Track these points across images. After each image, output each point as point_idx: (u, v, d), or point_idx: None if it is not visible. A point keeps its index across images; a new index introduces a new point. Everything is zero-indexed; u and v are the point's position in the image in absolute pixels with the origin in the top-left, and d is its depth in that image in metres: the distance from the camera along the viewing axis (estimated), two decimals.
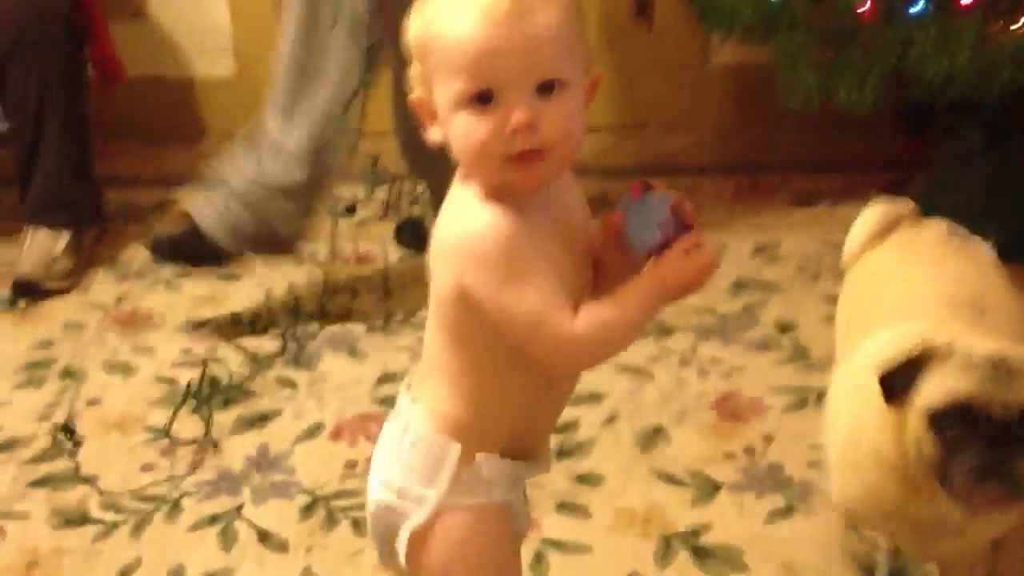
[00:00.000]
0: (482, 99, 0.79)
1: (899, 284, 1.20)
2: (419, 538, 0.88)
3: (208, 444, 1.47)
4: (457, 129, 0.80)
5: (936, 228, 1.29)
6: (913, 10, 1.55)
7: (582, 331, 0.81)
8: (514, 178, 0.81)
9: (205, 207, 1.81)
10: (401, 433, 0.89)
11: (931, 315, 1.10)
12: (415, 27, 0.82)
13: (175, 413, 1.53)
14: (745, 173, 2.35)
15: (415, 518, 0.87)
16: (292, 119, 1.78)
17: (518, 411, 0.88)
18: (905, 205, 1.33)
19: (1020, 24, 1.48)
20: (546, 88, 0.79)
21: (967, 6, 1.50)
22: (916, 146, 2.37)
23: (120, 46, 2.25)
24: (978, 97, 1.54)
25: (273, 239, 1.80)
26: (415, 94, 0.84)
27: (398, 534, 0.88)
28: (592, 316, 0.82)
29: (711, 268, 0.85)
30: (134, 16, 2.61)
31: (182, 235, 1.83)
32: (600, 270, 0.89)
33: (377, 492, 0.90)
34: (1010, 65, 1.48)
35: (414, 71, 0.84)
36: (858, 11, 1.62)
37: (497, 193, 0.81)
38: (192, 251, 1.83)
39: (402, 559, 0.89)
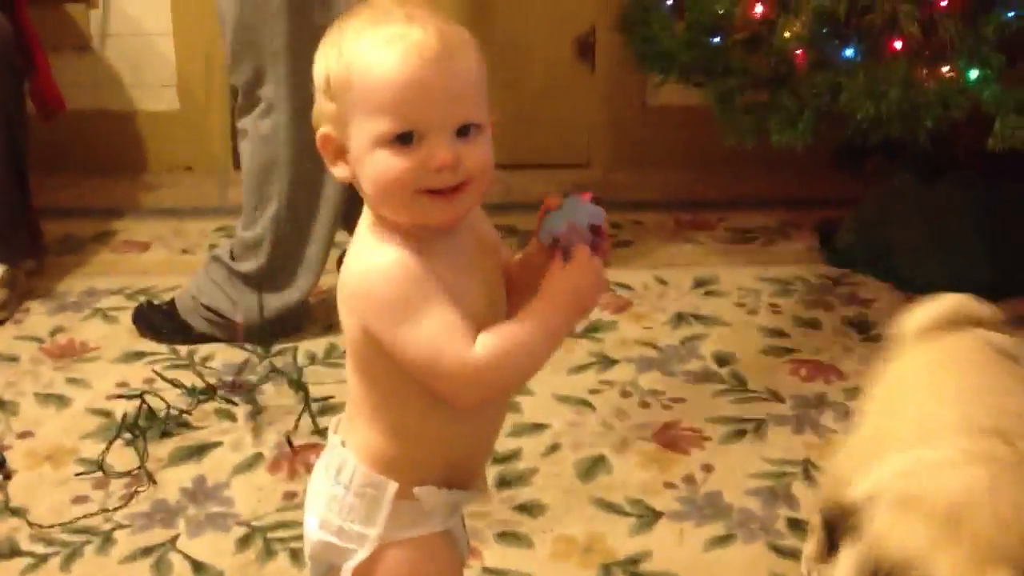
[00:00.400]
0: (404, 139, 0.79)
1: (925, 396, 1.08)
2: (363, 575, 0.87)
3: (143, 476, 1.45)
4: (375, 166, 0.80)
5: (978, 337, 1.15)
6: (844, 55, 1.60)
7: (482, 358, 0.80)
8: (436, 214, 0.81)
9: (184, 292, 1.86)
10: (335, 474, 0.88)
11: (948, 443, 0.96)
12: (332, 64, 0.81)
13: (109, 445, 1.50)
14: (685, 210, 2.39)
15: (357, 556, 0.87)
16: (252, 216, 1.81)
17: (446, 442, 0.88)
18: (989, 309, 1.20)
19: (945, 69, 1.54)
20: (464, 130, 0.80)
21: (895, 52, 1.55)
22: (850, 185, 2.44)
23: (64, 79, 2.24)
24: (907, 137, 1.59)
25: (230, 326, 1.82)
26: (322, 131, 0.83)
27: (340, 571, 0.88)
28: (491, 341, 0.81)
29: (603, 283, 0.84)
30: (79, 49, 2.60)
31: (160, 309, 1.86)
32: (515, 299, 0.89)
33: (315, 532, 0.89)
34: (936, 107, 1.53)
35: (324, 108, 0.82)
36: (791, 56, 1.66)
37: (409, 230, 0.82)
38: (163, 326, 1.84)
39: None
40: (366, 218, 0.85)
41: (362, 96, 0.79)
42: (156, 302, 1.90)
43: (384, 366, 0.83)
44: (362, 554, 0.86)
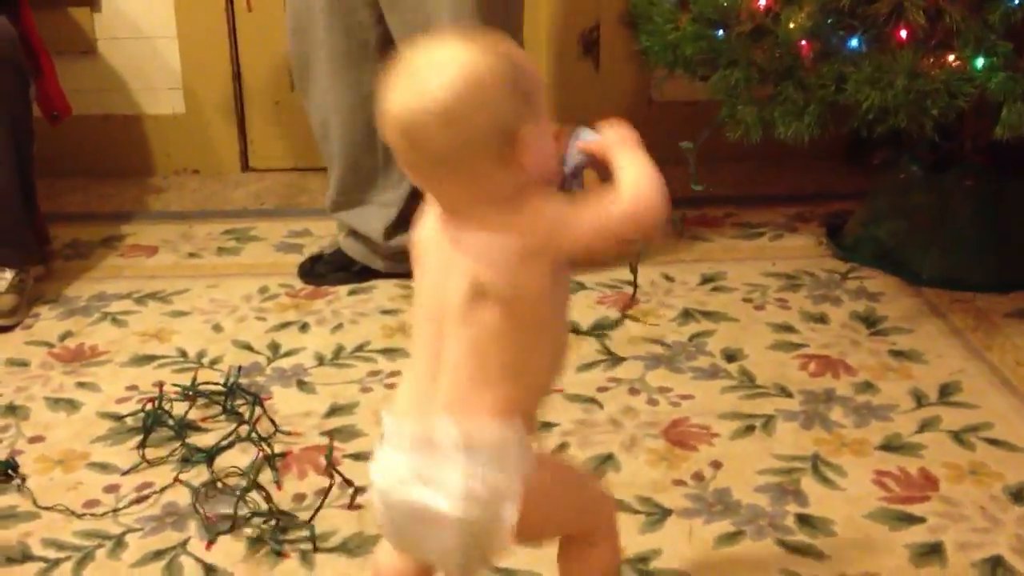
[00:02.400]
0: None
1: None
2: (523, 517, 0.95)
3: (154, 479, 1.45)
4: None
5: None
6: (849, 45, 1.59)
7: (631, 198, 0.95)
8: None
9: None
10: (457, 450, 0.94)
11: None
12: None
13: (144, 442, 1.52)
14: (691, 206, 2.39)
15: (510, 505, 0.95)
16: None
17: (545, 386, 1.03)
18: None
19: (951, 57, 1.53)
20: None
21: (900, 41, 1.55)
22: (857, 178, 2.43)
23: (69, 84, 2.25)
24: (913, 129, 1.59)
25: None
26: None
27: (491, 531, 0.95)
28: (624, 186, 0.95)
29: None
30: (84, 54, 2.61)
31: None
32: None
33: (457, 507, 0.94)
34: (943, 96, 1.53)
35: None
36: (796, 48, 1.66)
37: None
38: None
39: (504, 543, 0.96)
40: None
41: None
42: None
43: (542, 317, 0.97)
44: (516, 496, 0.95)
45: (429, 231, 1.01)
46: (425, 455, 0.96)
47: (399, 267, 1.97)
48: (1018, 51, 1.55)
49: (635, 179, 0.96)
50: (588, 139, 1.02)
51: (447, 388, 0.97)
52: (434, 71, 0.92)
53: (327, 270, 2.08)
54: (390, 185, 2.02)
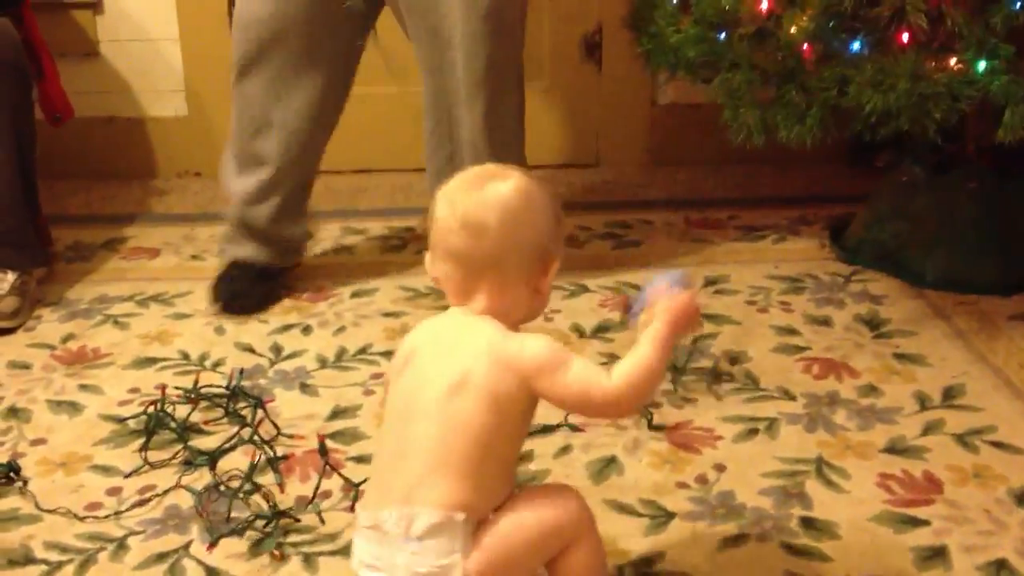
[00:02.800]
0: None
1: None
2: None
3: (156, 481, 1.45)
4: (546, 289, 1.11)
5: None
6: (851, 48, 1.59)
7: (620, 387, 1.05)
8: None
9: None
10: (405, 532, 1.03)
11: None
12: None
13: (146, 445, 1.52)
14: (694, 208, 2.39)
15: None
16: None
17: (495, 500, 1.07)
18: None
19: (953, 60, 1.53)
20: None
21: (902, 44, 1.55)
22: (860, 181, 2.43)
23: (72, 86, 2.25)
24: (915, 132, 1.58)
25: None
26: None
27: None
28: (623, 371, 1.05)
29: (695, 303, 1.10)
30: (86, 56, 2.61)
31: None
32: None
33: None
34: (945, 98, 1.53)
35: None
36: (798, 50, 1.65)
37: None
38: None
39: None
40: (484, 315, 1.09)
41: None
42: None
43: (511, 428, 1.06)
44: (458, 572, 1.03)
45: (426, 333, 1.12)
46: (379, 543, 1.05)
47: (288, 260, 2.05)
48: (1020, 54, 1.55)
49: (638, 377, 1.06)
50: (660, 286, 1.11)
51: (404, 477, 1.05)
52: (501, 182, 1.09)
53: (244, 289, 1.97)
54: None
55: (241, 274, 1.98)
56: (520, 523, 1.06)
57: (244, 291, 1.96)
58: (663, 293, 1.09)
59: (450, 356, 1.07)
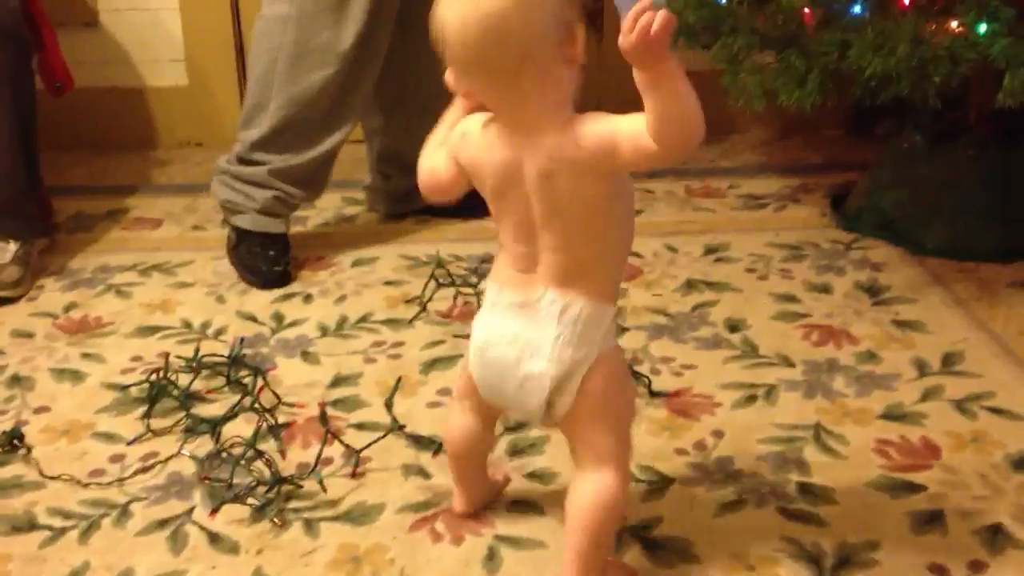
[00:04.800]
0: None
1: None
2: (589, 379, 1.09)
3: (158, 448, 1.46)
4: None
5: None
6: (851, 12, 1.58)
7: (674, 141, 1.01)
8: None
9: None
10: (558, 317, 1.08)
11: None
12: None
13: (149, 413, 1.53)
14: (694, 177, 2.39)
15: (583, 367, 1.09)
16: None
17: (619, 279, 1.15)
18: None
19: (954, 23, 1.52)
20: None
21: (903, 7, 1.54)
22: (861, 149, 2.43)
23: (71, 56, 2.25)
24: (916, 96, 1.58)
25: None
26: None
27: (567, 386, 1.09)
28: (667, 126, 0.99)
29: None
30: (86, 26, 2.60)
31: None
32: None
33: (549, 368, 1.09)
34: (945, 62, 1.52)
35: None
36: (798, 15, 1.65)
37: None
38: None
39: (570, 399, 1.10)
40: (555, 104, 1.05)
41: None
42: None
43: (618, 215, 1.09)
44: (587, 363, 1.09)
45: (489, 150, 1.08)
46: (525, 321, 1.10)
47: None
48: (1021, 17, 1.54)
49: (684, 116, 0.99)
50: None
51: (549, 265, 1.09)
52: None
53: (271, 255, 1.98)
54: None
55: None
56: (625, 385, 1.16)
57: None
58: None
59: (530, 163, 1.05)
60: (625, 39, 0.96)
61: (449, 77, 1.07)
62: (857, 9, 1.58)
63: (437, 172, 1.15)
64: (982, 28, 1.52)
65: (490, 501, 1.33)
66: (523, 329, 1.10)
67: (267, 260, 1.96)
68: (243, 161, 2.00)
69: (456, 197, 1.17)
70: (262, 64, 1.95)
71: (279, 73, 1.92)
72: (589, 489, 1.12)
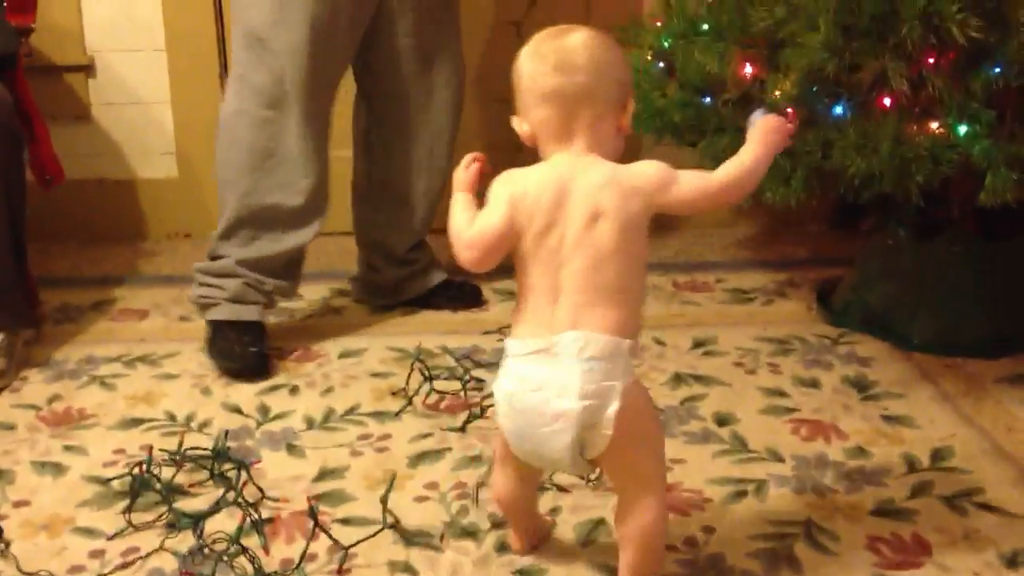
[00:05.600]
0: None
1: None
2: (621, 412, 1.16)
3: (140, 544, 1.43)
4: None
5: None
6: (834, 112, 1.61)
7: (727, 179, 1.23)
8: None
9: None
10: (577, 354, 1.15)
11: None
12: None
13: (131, 507, 1.50)
14: (682, 271, 2.40)
15: (614, 402, 1.15)
16: None
17: (640, 314, 1.23)
18: None
19: (935, 125, 1.55)
20: None
21: (884, 108, 1.57)
22: (847, 244, 2.45)
23: (63, 148, 2.27)
24: (898, 194, 1.60)
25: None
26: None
27: (598, 423, 1.16)
28: (726, 170, 1.23)
29: (788, 126, 1.30)
30: (78, 119, 2.63)
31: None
32: None
33: (577, 405, 1.15)
34: (927, 162, 1.55)
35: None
36: (782, 114, 1.68)
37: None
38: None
39: (607, 434, 1.16)
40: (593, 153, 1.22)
41: None
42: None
43: (641, 250, 1.21)
44: (617, 398, 1.16)
45: (538, 183, 1.20)
46: (548, 364, 1.16)
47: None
48: (1000, 118, 1.57)
49: (738, 173, 1.23)
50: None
51: (567, 308, 1.17)
52: (578, 30, 1.23)
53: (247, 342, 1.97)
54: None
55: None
56: (654, 415, 1.26)
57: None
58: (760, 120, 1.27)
59: (577, 193, 1.18)
60: (782, 135, 1.28)
61: (514, 122, 1.24)
62: (839, 110, 1.61)
63: (488, 231, 1.21)
64: (962, 130, 1.55)
65: (544, 539, 1.42)
66: (548, 373, 1.17)
67: (241, 343, 1.95)
68: (212, 257, 2.03)
69: (500, 260, 1.23)
70: (219, 160, 2.01)
71: (233, 168, 1.98)
72: (640, 514, 1.21)
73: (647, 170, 1.21)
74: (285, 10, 1.87)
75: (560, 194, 1.19)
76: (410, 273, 2.22)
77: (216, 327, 1.99)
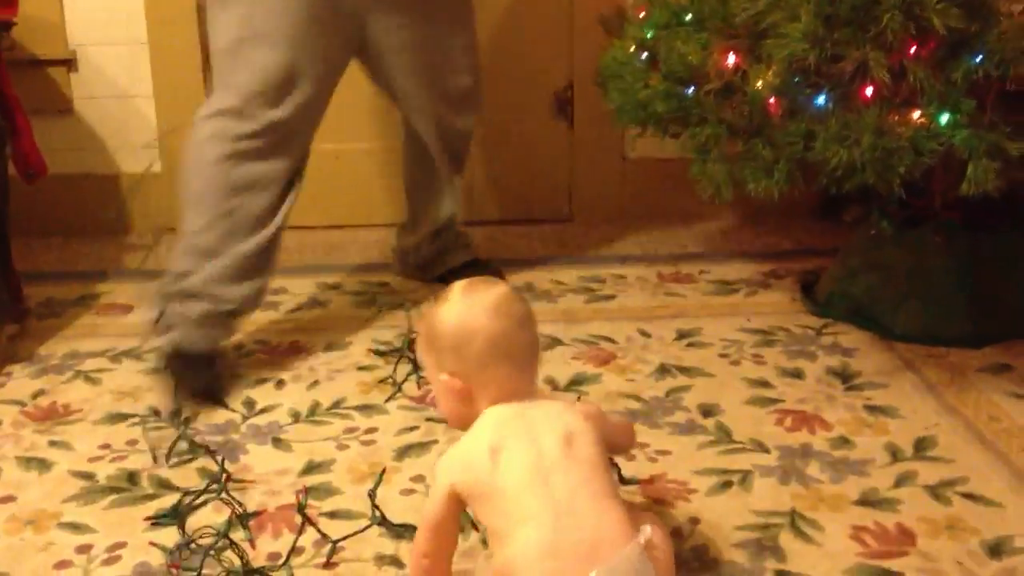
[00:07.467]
0: None
1: None
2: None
3: (126, 539, 1.43)
4: None
5: None
6: (816, 103, 1.62)
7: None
8: None
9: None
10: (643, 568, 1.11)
11: None
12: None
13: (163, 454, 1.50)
14: (666, 262, 2.41)
15: None
16: None
17: None
18: None
19: (916, 115, 1.56)
20: None
21: (866, 99, 1.57)
22: (830, 235, 2.46)
23: (45, 143, 2.25)
24: (881, 185, 1.61)
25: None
26: None
27: None
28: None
29: None
30: (61, 113, 2.62)
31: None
32: None
33: None
34: (909, 152, 1.55)
35: None
36: (764, 105, 1.68)
37: None
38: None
39: None
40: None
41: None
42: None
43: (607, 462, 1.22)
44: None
45: (495, 430, 1.18)
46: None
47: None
48: (981, 108, 1.58)
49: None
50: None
51: (605, 524, 1.12)
52: (498, 284, 1.26)
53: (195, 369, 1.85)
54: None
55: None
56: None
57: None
58: None
59: (542, 425, 1.18)
60: None
61: (456, 383, 1.21)
62: (821, 100, 1.61)
63: (438, 515, 1.20)
64: (944, 119, 1.55)
65: None
66: None
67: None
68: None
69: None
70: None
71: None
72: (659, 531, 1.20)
73: (590, 404, 1.35)
74: None
75: (523, 434, 1.18)
76: (438, 249, 2.29)
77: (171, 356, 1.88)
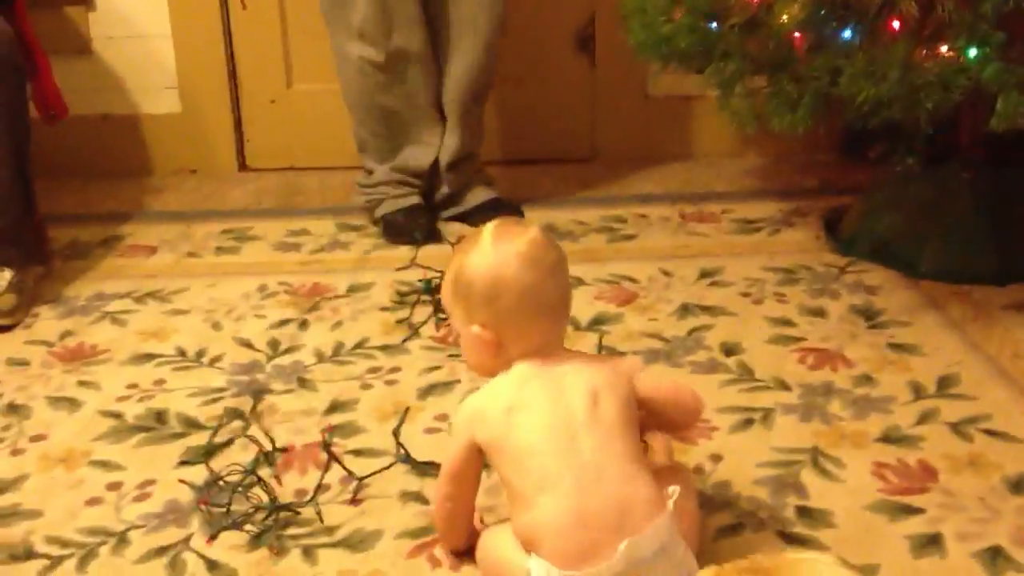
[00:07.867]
0: None
1: None
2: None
3: (155, 476, 1.46)
4: None
5: None
6: (842, 37, 1.59)
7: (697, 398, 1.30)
8: None
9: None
10: (659, 551, 1.09)
11: None
12: None
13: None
14: (688, 201, 2.40)
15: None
16: None
17: None
18: None
19: (944, 48, 1.53)
20: None
21: (893, 32, 1.55)
22: (855, 172, 2.44)
23: (65, 84, 2.25)
24: (908, 121, 1.59)
25: None
26: None
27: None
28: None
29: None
30: (79, 54, 2.61)
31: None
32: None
33: None
34: (936, 87, 1.53)
35: None
36: (789, 40, 1.66)
37: None
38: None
39: None
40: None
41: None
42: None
43: (636, 420, 1.18)
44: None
45: (518, 385, 1.16)
46: (664, 556, 1.09)
47: None
48: (1011, 41, 1.55)
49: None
50: None
51: (632, 491, 1.10)
52: (535, 229, 1.20)
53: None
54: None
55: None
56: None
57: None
58: None
59: (571, 382, 1.15)
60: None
61: (487, 335, 1.16)
62: (848, 34, 1.59)
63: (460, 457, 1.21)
64: (972, 52, 1.53)
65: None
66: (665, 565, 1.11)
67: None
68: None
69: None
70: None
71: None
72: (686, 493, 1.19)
73: (628, 359, 1.29)
74: None
75: (549, 391, 1.15)
76: (458, 186, 2.32)
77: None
